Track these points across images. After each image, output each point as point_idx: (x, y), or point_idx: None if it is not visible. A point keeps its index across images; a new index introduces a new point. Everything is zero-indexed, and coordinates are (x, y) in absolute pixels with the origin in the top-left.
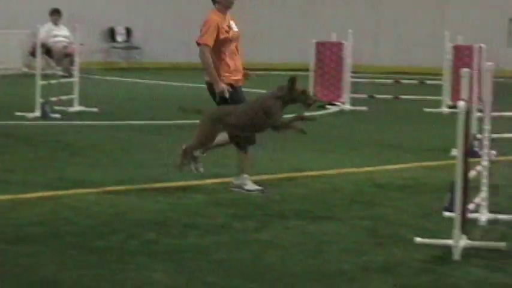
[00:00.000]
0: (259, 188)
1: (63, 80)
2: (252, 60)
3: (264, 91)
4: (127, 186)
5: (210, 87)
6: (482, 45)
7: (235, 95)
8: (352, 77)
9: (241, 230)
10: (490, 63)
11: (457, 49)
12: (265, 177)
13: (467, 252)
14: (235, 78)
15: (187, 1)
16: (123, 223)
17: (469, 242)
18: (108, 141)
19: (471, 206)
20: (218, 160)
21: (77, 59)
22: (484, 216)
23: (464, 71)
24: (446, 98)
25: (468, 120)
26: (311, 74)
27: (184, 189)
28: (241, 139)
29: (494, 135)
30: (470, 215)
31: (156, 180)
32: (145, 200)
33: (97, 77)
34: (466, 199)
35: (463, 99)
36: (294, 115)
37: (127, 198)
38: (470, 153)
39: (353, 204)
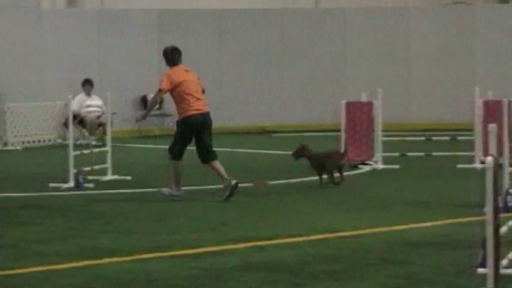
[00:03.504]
0: None
1: (96, 150)
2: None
3: None
4: (160, 253)
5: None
6: None
7: None
8: (384, 135)
9: None
10: None
11: (487, 104)
12: (297, 239)
13: None
14: None
15: (215, 68)
16: None
17: None
18: (141, 208)
19: (504, 262)
20: (251, 224)
21: (110, 128)
22: None
23: (492, 126)
24: (479, 153)
25: (497, 175)
26: (342, 134)
27: (217, 253)
28: None
29: None
30: (504, 271)
31: (189, 246)
32: (179, 266)
33: (131, 145)
34: (499, 255)
35: (491, 155)
36: None
37: (160, 265)
38: (504, 208)
39: (386, 263)
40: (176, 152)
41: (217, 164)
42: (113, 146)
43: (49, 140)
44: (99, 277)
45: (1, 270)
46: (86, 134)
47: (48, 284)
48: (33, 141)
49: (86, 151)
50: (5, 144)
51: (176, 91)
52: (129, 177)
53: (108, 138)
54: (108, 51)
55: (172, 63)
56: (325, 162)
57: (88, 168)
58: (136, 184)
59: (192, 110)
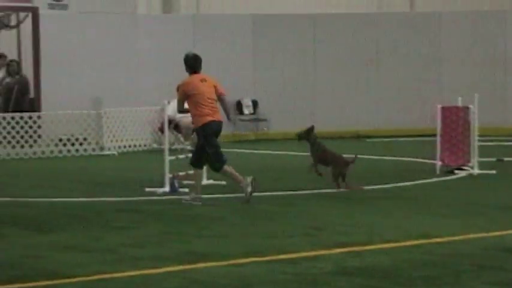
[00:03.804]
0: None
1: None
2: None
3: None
4: (255, 258)
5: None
6: None
7: None
8: (480, 140)
9: None
10: None
11: None
12: (392, 244)
13: None
14: None
15: (310, 73)
16: None
17: None
18: (235, 213)
19: None
20: (346, 229)
21: None
22: None
23: None
24: None
25: None
26: (438, 139)
27: (311, 259)
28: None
29: None
30: None
31: (284, 250)
32: (273, 271)
33: (226, 149)
34: None
35: None
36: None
37: (255, 270)
38: None
39: (482, 270)
40: (217, 164)
41: (201, 173)
42: None
43: (144, 145)
44: (195, 281)
45: (98, 274)
46: (181, 139)
47: None
48: (129, 146)
49: (181, 156)
50: (102, 148)
51: (190, 100)
52: (224, 182)
53: None
54: (202, 56)
55: (192, 71)
56: (330, 164)
57: (183, 173)
58: (231, 189)
59: (208, 117)
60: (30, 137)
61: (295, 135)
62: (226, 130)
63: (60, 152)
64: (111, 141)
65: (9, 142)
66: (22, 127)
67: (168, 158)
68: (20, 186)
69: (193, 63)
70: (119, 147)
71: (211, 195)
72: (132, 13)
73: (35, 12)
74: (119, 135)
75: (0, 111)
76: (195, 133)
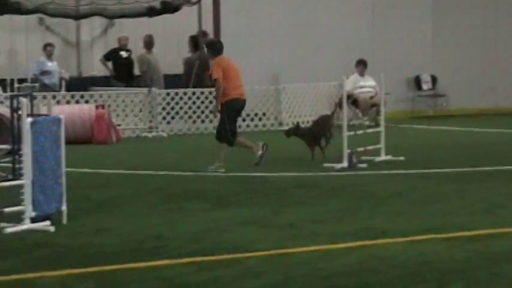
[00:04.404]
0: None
1: (369, 130)
2: None
3: None
4: (434, 234)
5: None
6: None
7: None
8: None
9: None
10: None
11: None
12: None
13: None
14: None
15: (491, 48)
16: (431, 272)
17: None
18: (414, 190)
19: None
20: None
21: (383, 109)
22: None
23: None
24: None
25: None
26: None
27: (492, 236)
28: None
29: None
30: None
31: (464, 228)
32: (453, 248)
33: (404, 125)
34: None
35: None
36: None
37: (434, 247)
38: None
39: None
40: (229, 137)
41: (238, 140)
42: (386, 127)
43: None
44: (373, 257)
45: (277, 249)
46: (359, 114)
47: (323, 263)
48: (307, 122)
49: (359, 132)
50: (280, 124)
51: (223, 76)
52: (402, 158)
53: (382, 118)
54: (381, 31)
55: (218, 53)
56: (325, 129)
57: (362, 149)
58: (409, 165)
59: (235, 94)
60: (211, 112)
61: (284, 133)
62: (405, 107)
63: (240, 127)
64: (289, 116)
65: (190, 117)
66: (202, 102)
67: (346, 133)
68: (201, 160)
69: (220, 47)
70: (297, 122)
71: (389, 171)
72: None
73: None
74: (297, 111)
75: (182, 86)
76: (373, 108)
